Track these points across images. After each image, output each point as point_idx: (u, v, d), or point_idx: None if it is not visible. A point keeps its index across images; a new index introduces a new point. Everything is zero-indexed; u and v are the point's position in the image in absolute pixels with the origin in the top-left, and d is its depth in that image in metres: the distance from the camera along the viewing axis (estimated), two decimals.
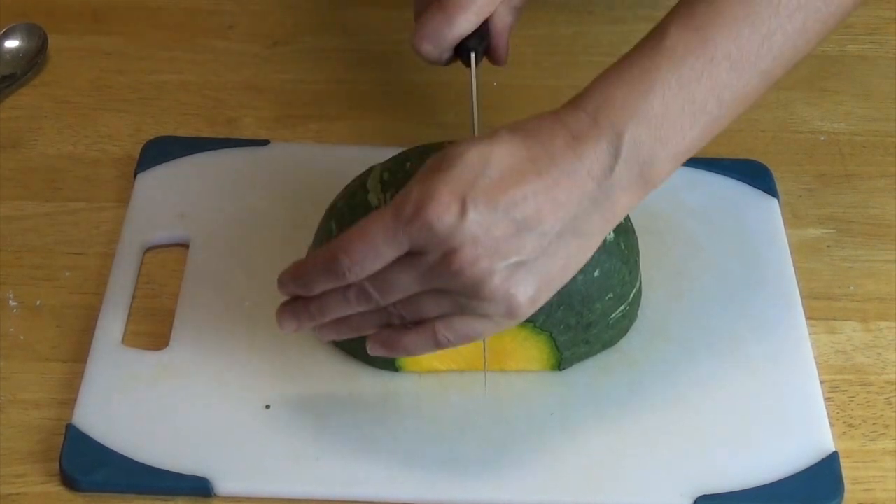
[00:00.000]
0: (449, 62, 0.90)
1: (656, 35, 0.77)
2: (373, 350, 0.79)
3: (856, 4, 0.79)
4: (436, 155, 0.76)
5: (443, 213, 0.73)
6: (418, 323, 0.77)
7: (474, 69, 0.87)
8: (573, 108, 0.76)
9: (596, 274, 0.84)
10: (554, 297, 0.79)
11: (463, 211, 0.73)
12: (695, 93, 0.75)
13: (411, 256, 0.75)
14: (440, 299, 0.76)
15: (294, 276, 0.79)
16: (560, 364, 0.86)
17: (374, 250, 0.74)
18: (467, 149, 0.74)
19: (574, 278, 0.80)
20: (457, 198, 0.73)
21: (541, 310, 0.81)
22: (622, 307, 0.86)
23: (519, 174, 0.74)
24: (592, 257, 0.79)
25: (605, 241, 0.84)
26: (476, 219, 0.73)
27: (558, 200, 0.74)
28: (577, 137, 0.75)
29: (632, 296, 0.87)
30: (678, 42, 0.75)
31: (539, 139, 0.75)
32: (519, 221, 0.73)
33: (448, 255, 0.73)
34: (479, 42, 0.89)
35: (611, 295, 0.85)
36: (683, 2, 0.77)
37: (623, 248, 0.86)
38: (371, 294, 0.76)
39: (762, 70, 0.77)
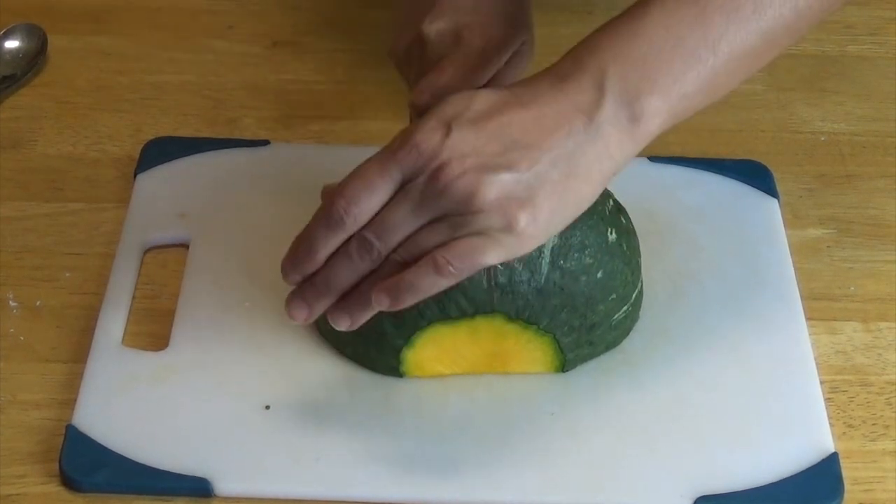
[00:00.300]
0: None
1: None
2: (379, 302, 0.77)
3: None
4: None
5: (428, 135, 0.75)
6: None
7: None
8: (559, 59, 0.78)
9: (599, 275, 0.84)
10: (557, 298, 0.79)
11: (447, 132, 0.75)
12: (685, 38, 0.76)
13: (403, 189, 0.76)
14: (439, 228, 0.76)
15: (294, 249, 0.79)
16: (564, 366, 0.86)
17: (367, 186, 0.76)
18: (453, 94, 0.77)
19: (577, 279, 0.80)
20: (442, 124, 0.75)
21: (545, 312, 0.82)
22: (625, 308, 0.86)
23: (504, 106, 0.76)
24: (595, 259, 0.79)
25: (607, 242, 0.84)
26: (461, 136, 0.75)
27: (547, 126, 0.75)
28: (561, 77, 0.76)
29: (634, 296, 0.87)
30: None
31: (523, 84, 0.78)
32: (507, 141, 0.75)
33: (436, 171, 0.74)
34: None
35: (614, 296, 0.85)
36: None
37: (625, 249, 0.86)
38: (371, 241, 0.76)
39: (762, 29, 0.77)
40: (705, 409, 0.85)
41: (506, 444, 0.83)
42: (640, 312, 0.90)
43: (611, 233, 0.85)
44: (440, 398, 0.86)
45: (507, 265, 0.82)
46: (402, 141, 0.76)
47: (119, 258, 0.93)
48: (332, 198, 0.77)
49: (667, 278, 0.93)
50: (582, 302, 0.84)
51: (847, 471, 0.83)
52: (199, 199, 0.98)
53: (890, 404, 0.87)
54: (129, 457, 0.81)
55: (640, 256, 0.88)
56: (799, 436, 0.84)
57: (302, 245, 0.79)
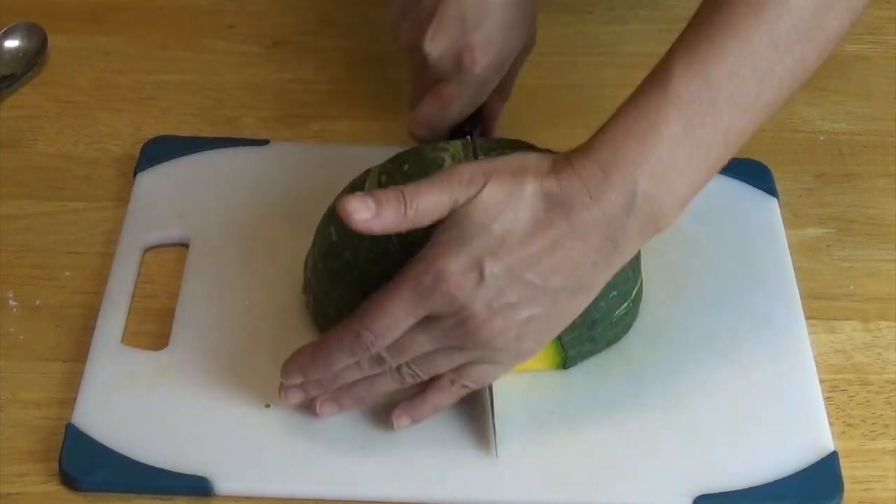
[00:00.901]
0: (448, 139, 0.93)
1: (661, 77, 0.77)
2: (400, 422, 0.82)
3: (850, 26, 0.81)
4: (451, 217, 0.76)
5: (462, 283, 0.75)
6: (431, 379, 0.81)
7: (473, 150, 0.88)
8: (586, 159, 0.76)
9: None
10: None
11: (481, 278, 0.75)
12: (700, 139, 0.76)
13: (427, 320, 0.77)
14: (453, 355, 0.79)
15: (310, 360, 0.81)
16: (565, 362, 0.86)
17: (395, 323, 0.77)
18: (483, 206, 0.76)
19: None
20: (475, 265, 0.75)
21: None
22: (625, 304, 0.86)
23: (535, 233, 0.76)
24: None
25: None
26: (493, 284, 0.75)
27: (572, 259, 0.76)
28: (593, 197, 0.75)
29: (634, 293, 0.87)
30: (682, 89, 0.76)
31: (556, 198, 0.76)
32: (532, 283, 0.76)
33: (465, 319, 0.76)
34: (473, 126, 0.93)
35: (614, 293, 0.85)
36: (685, 38, 0.77)
37: None
38: (385, 358, 0.79)
39: (763, 103, 0.78)
40: (705, 409, 0.85)
41: (506, 442, 0.83)
42: (640, 312, 0.90)
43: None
44: None
45: None
46: (434, 282, 0.75)
47: (119, 257, 0.93)
48: (358, 328, 0.78)
49: (666, 277, 0.93)
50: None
51: (847, 470, 0.83)
52: (198, 199, 0.98)
53: (890, 403, 0.87)
54: (129, 456, 0.81)
55: (640, 253, 0.88)
56: (798, 435, 0.84)
57: (318, 361, 0.80)
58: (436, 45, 0.89)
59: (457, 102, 0.91)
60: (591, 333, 0.85)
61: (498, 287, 0.75)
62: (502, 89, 0.95)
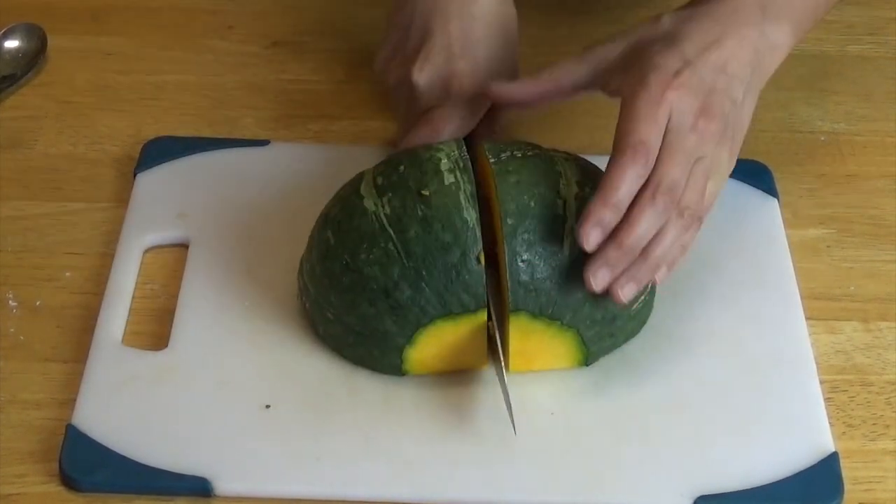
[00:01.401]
0: None
1: None
2: (625, 291, 0.82)
3: None
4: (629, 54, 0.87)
5: (681, 86, 0.83)
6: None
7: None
8: None
9: None
10: (580, 292, 0.83)
11: (690, 75, 0.84)
12: None
13: (673, 133, 0.82)
14: (703, 169, 0.83)
15: (600, 202, 0.81)
16: (587, 359, 0.86)
17: (653, 121, 0.81)
18: (658, 36, 0.86)
19: None
20: (672, 72, 0.83)
21: (567, 307, 0.83)
22: (642, 297, 0.86)
23: (708, 42, 0.85)
24: None
25: None
26: (702, 77, 0.84)
27: (741, 57, 0.86)
28: (728, 5, 0.87)
29: (649, 286, 0.87)
30: None
31: (705, 14, 0.87)
32: (727, 74, 0.85)
33: (698, 114, 0.83)
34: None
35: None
36: None
37: None
38: (673, 188, 0.81)
39: None
40: (705, 409, 0.85)
41: (505, 442, 0.83)
42: None
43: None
44: (440, 398, 0.85)
45: (527, 262, 0.82)
46: (660, 94, 0.82)
47: (119, 258, 0.93)
48: (633, 146, 0.81)
49: (667, 278, 0.92)
50: (603, 294, 0.84)
51: (847, 470, 0.83)
52: (198, 199, 0.98)
53: (890, 404, 0.87)
54: (129, 456, 0.81)
55: None
56: (799, 435, 0.84)
57: (607, 200, 0.81)
58: (424, 75, 0.93)
59: (447, 127, 0.92)
60: (611, 329, 0.86)
61: (703, 75, 0.84)
62: (492, 123, 0.95)
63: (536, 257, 0.82)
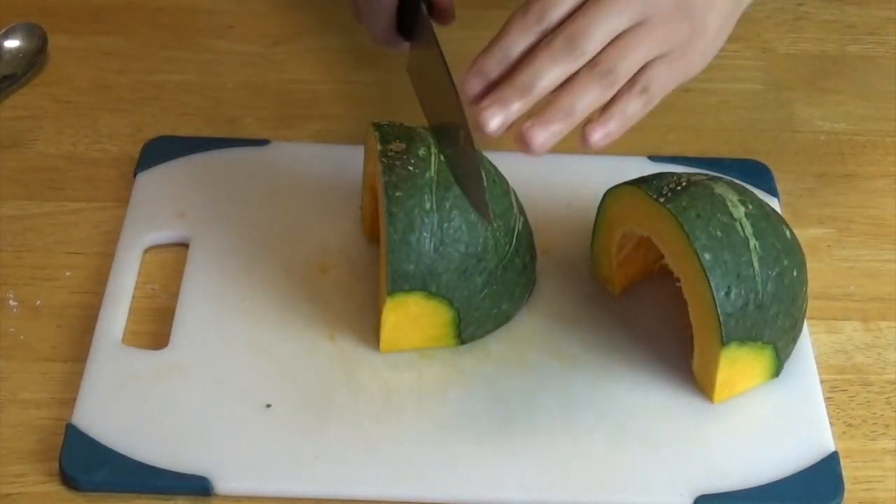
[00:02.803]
0: (394, 39, 0.91)
1: None
2: (594, 135, 0.76)
3: None
4: None
5: None
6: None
7: (426, 16, 0.87)
8: None
9: (795, 273, 0.85)
10: (775, 307, 0.83)
11: None
12: None
13: None
14: (638, 37, 0.76)
15: (487, 54, 0.76)
16: (779, 371, 0.86)
17: None
18: None
19: (783, 282, 0.83)
20: None
21: (766, 324, 0.83)
22: (806, 290, 0.87)
23: None
24: (789, 258, 0.84)
25: (787, 239, 0.85)
26: None
27: None
28: None
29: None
30: None
31: None
32: None
33: None
34: None
35: (804, 288, 0.86)
36: None
37: (798, 240, 0.87)
38: (577, 38, 0.75)
39: None
40: (705, 409, 0.85)
41: (505, 442, 0.83)
42: None
43: (785, 229, 0.86)
44: (440, 398, 0.86)
45: (731, 292, 0.82)
46: None
47: (119, 257, 0.93)
48: (524, 5, 0.76)
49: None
50: (790, 303, 0.84)
51: (847, 470, 0.83)
52: (198, 199, 0.98)
53: (890, 403, 0.87)
54: (129, 455, 0.81)
55: None
56: (799, 435, 0.84)
57: (489, 50, 0.76)
58: None
59: None
60: (794, 333, 0.86)
61: None
62: None
63: (736, 285, 0.82)
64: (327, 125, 1.06)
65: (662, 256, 0.86)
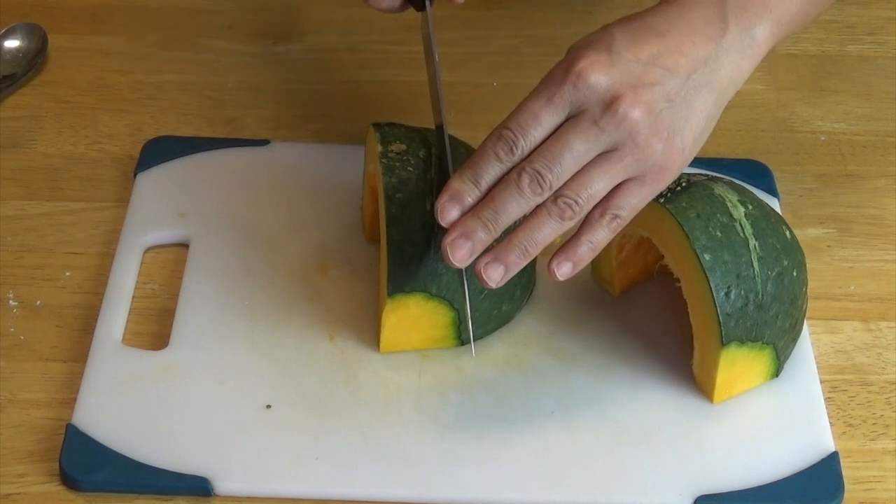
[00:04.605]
0: (403, 7, 0.91)
1: None
2: (561, 269, 0.79)
3: None
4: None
5: (594, 65, 0.77)
6: (583, 222, 0.79)
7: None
8: None
9: (795, 274, 0.85)
10: (774, 307, 0.83)
11: (611, 62, 0.78)
12: None
13: (572, 120, 0.78)
14: (604, 166, 0.78)
15: (450, 185, 0.79)
16: (778, 371, 0.86)
17: (534, 116, 0.78)
18: (587, 37, 0.80)
19: (783, 283, 0.83)
20: (603, 53, 0.78)
21: (766, 325, 0.83)
22: (806, 290, 0.87)
23: (645, 36, 0.79)
24: (788, 258, 0.84)
25: (787, 239, 0.85)
26: (625, 67, 0.78)
27: (686, 53, 0.79)
28: (686, 8, 0.81)
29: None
30: None
31: (650, 14, 0.81)
32: (661, 71, 0.78)
33: (611, 102, 0.77)
34: None
35: (804, 288, 0.86)
36: None
37: (797, 240, 0.87)
38: (542, 172, 0.77)
39: None
40: (705, 409, 0.85)
41: (505, 442, 0.83)
42: None
43: (785, 230, 0.86)
44: (440, 398, 0.86)
45: (730, 293, 0.82)
46: (565, 73, 0.78)
47: (119, 257, 0.93)
48: (500, 129, 0.78)
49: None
50: (790, 303, 0.84)
51: (847, 470, 0.83)
52: (198, 199, 0.98)
53: (890, 404, 0.87)
54: (129, 456, 0.81)
55: None
56: (799, 435, 0.84)
57: (464, 176, 0.79)
58: None
59: None
60: (794, 334, 0.86)
61: (630, 69, 0.78)
62: None
63: (736, 285, 0.82)
64: (327, 125, 1.06)
65: (662, 257, 0.86)
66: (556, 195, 0.78)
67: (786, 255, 0.85)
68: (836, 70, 1.13)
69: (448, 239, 0.78)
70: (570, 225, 0.79)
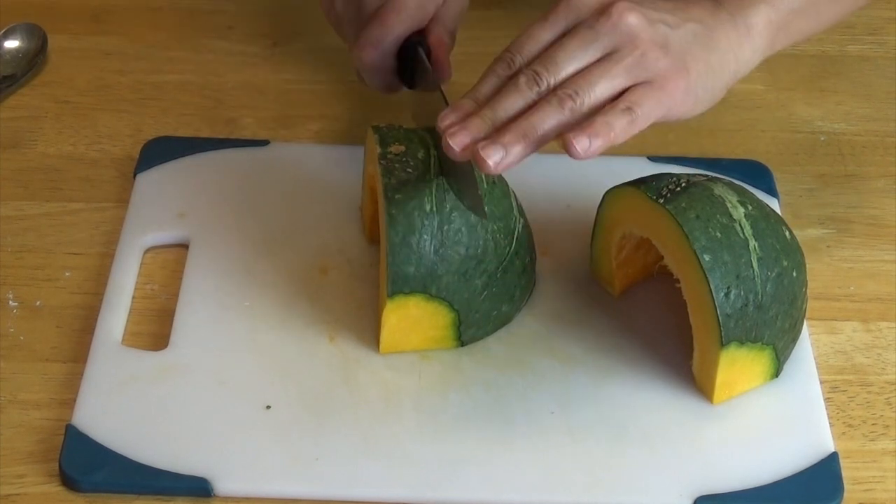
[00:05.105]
0: (393, 84, 0.95)
1: None
2: (580, 142, 0.76)
3: None
4: None
5: None
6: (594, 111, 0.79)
7: (424, 58, 0.92)
8: None
9: (794, 274, 0.85)
10: (774, 308, 0.83)
11: None
12: None
13: (570, 30, 0.80)
14: (609, 68, 0.79)
15: (463, 98, 0.80)
16: (778, 371, 0.86)
17: (534, 36, 0.80)
18: None
19: (782, 284, 0.83)
20: None
21: (766, 325, 0.83)
22: (806, 290, 0.87)
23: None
24: (788, 259, 0.84)
25: (787, 240, 0.85)
26: None
27: (680, 8, 0.82)
28: None
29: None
30: None
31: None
32: (656, 5, 0.81)
33: (605, 7, 0.79)
34: (421, 38, 0.94)
35: (804, 288, 0.86)
36: None
37: (797, 241, 0.87)
38: (539, 72, 0.78)
39: None
40: (705, 409, 0.85)
41: (505, 442, 0.83)
42: None
43: (785, 230, 0.86)
44: (440, 397, 0.86)
45: (730, 293, 0.82)
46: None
47: (119, 258, 0.93)
48: (503, 52, 0.79)
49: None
50: (789, 304, 0.84)
51: (847, 470, 0.83)
52: (198, 199, 0.98)
53: (890, 404, 0.87)
54: (129, 456, 0.81)
55: None
56: (799, 435, 0.84)
57: (466, 94, 0.80)
58: None
59: (396, 16, 0.92)
60: (794, 334, 0.86)
61: None
62: (447, 21, 0.96)
63: (735, 286, 0.82)
64: (327, 125, 1.06)
65: (662, 257, 0.86)
66: (557, 89, 0.78)
67: (785, 256, 0.85)
68: (836, 70, 1.13)
69: (448, 131, 0.78)
70: (573, 117, 0.78)
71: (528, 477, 0.81)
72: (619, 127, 0.78)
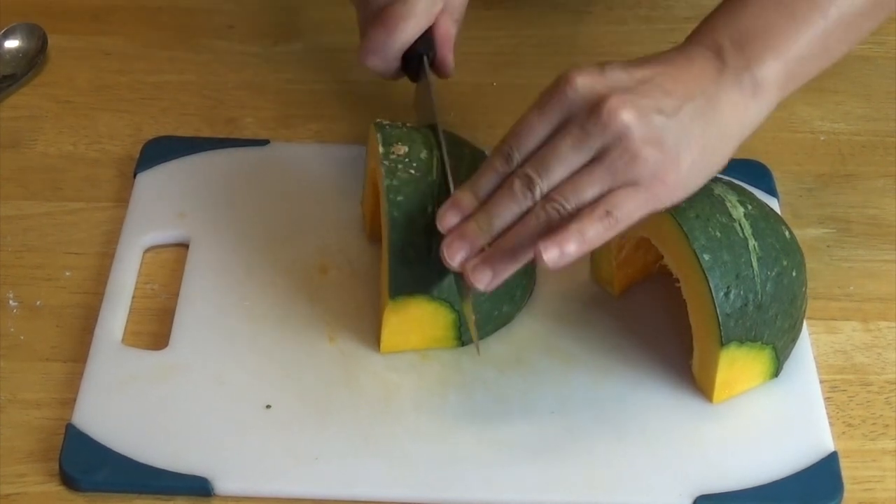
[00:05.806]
0: (398, 76, 0.96)
1: None
2: (548, 252, 0.77)
3: None
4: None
5: (583, 73, 0.79)
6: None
7: (428, 70, 0.94)
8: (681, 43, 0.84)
9: (794, 274, 0.85)
10: (774, 308, 0.83)
11: (602, 73, 0.79)
12: (794, 6, 0.82)
13: (563, 127, 0.79)
14: (595, 171, 0.78)
15: (461, 193, 0.81)
16: (778, 371, 0.86)
17: (529, 127, 0.79)
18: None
19: (782, 283, 0.83)
20: (594, 68, 0.80)
21: (766, 325, 0.83)
22: (805, 290, 0.87)
23: (640, 64, 0.81)
24: (788, 259, 0.84)
25: (786, 239, 0.85)
26: (615, 76, 0.79)
27: (681, 80, 0.80)
28: (684, 53, 0.82)
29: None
30: None
31: (648, 58, 0.82)
32: (655, 86, 0.79)
33: (597, 104, 0.78)
34: (427, 49, 0.95)
35: (804, 288, 0.86)
36: None
37: (796, 240, 0.87)
38: (532, 177, 0.78)
39: None
40: (705, 409, 0.85)
41: (505, 442, 0.83)
42: None
43: (784, 230, 0.86)
44: (439, 397, 0.86)
45: (730, 293, 0.82)
46: (555, 83, 0.80)
47: (119, 257, 0.93)
48: (500, 144, 0.81)
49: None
50: (789, 303, 0.84)
51: (847, 470, 0.83)
52: (198, 199, 0.98)
53: (889, 403, 0.87)
54: (129, 456, 0.81)
55: None
56: (799, 435, 0.84)
57: (465, 187, 0.81)
58: None
59: (403, 24, 0.92)
60: (793, 334, 0.86)
61: (621, 78, 0.79)
62: (453, 10, 0.96)
63: (735, 285, 0.82)
64: (327, 125, 1.06)
65: (662, 257, 0.86)
66: (546, 199, 0.79)
67: (785, 256, 0.85)
68: (836, 70, 1.12)
69: (445, 241, 0.80)
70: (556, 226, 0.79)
71: (528, 477, 0.81)
72: (594, 233, 0.78)
